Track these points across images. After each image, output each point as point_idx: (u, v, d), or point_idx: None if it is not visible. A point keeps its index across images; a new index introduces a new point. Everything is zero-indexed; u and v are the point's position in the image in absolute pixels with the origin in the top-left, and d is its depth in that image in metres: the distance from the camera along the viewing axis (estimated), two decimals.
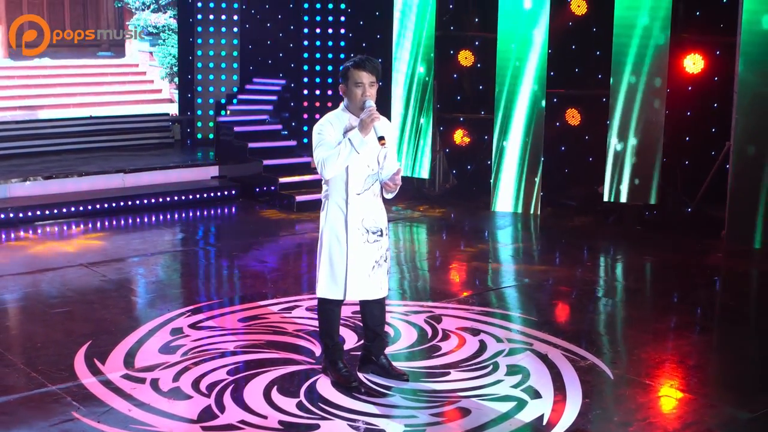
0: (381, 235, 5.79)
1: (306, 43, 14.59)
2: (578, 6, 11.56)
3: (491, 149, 11.75)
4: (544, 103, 11.39)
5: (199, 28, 14.59)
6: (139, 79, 14.86)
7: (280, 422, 5.32)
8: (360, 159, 5.62)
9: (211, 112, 14.51)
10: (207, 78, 14.75)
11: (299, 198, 11.59)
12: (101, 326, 7.00)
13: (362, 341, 6.23)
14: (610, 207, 11.20)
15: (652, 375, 6.23)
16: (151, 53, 14.81)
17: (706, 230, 10.42)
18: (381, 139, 5.52)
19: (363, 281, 5.76)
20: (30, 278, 8.42)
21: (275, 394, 5.70)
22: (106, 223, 10.80)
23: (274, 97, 14.12)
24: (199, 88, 14.76)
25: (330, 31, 14.51)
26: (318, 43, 14.59)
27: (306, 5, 14.48)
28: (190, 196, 11.91)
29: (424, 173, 12.58)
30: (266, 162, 12.37)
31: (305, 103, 14.78)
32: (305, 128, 14.18)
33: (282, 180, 12.06)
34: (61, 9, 13.90)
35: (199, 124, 14.82)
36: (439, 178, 13.01)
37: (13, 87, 13.72)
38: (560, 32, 11.56)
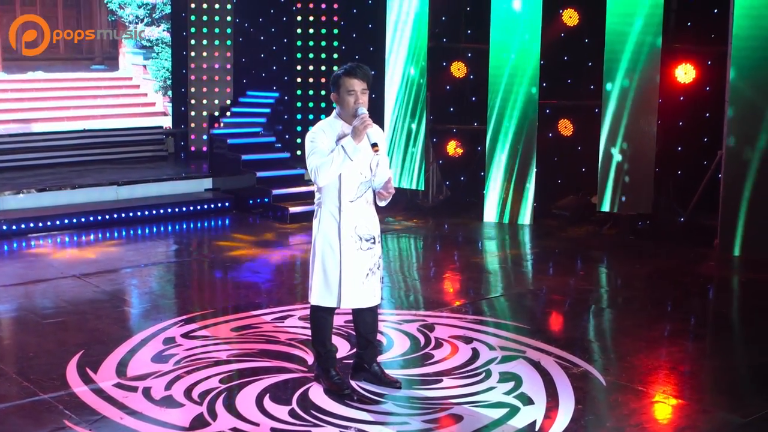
0: (374, 243, 5.79)
1: (299, 55, 14.63)
2: (570, 17, 11.62)
3: (484, 160, 11.76)
4: (537, 113, 11.41)
5: (193, 42, 14.62)
6: (132, 92, 14.87)
7: (272, 429, 5.31)
8: (353, 166, 5.63)
9: (205, 125, 14.51)
10: (200, 91, 14.77)
11: (292, 209, 11.59)
12: (94, 336, 6.99)
13: (355, 349, 6.23)
14: (603, 217, 11.22)
15: (644, 381, 6.23)
16: (144, 66, 14.83)
17: (699, 239, 10.44)
18: (374, 146, 5.54)
19: (357, 289, 5.76)
20: (23, 289, 8.41)
21: (267, 402, 5.69)
22: (100, 235, 10.79)
23: (267, 110, 14.16)
24: (193, 101, 14.78)
25: (323, 43, 14.55)
26: (311, 55, 14.62)
27: (299, 18, 14.51)
28: (184, 208, 11.90)
29: (417, 184, 12.58)
30: (259, 174, 12.38)
31: (299, 116, 14.80)
32: (299, 140, 14.21)
33: (275, 192, 12.06)
34: (55, 21, 13.92)
35: (193, 137, 14.84)
36: (433, 190, 13.02)
37: (7, 100, 13.72)
38: (553, 43, 11.61)
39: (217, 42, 14.74)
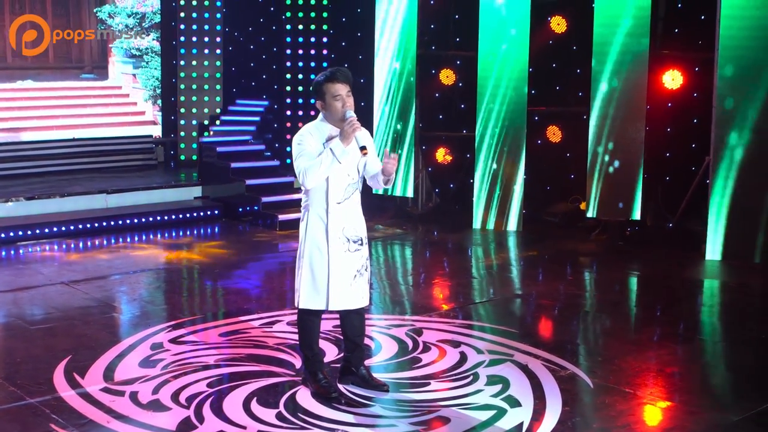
0: (361, 244, 5.80)
1: (288, 64, 14.64)
2: (558, 24, 11.66)
3: (473, 167, 11.79)
4: (525, 120, 11.44)
5: (182, 51, 14.64)
6: (122, 101, 14.89)
7: None
8: (341, 168, 5.64)
9: (195, 134, 14.52)
10: (190, 100, 14.79)
11: (282, 217, 11.59)
12: (81, 342, 6.97)
13: (342, 353, 6.23)
14: (592, 223, 11.25)
15: (632, 383, 6.24)
16: (134, 75, 14.85)
17: (687, 245, 10.48)
18: (363, 149, 5.56)
19: (345, 290, 5.76)
20: (11, 296, 8.39)
21: (255, 406, 5.68)
22: (89, 243, 10.78)
23: (257, 118, 14.17)
24: (183, 110, 14.79)
25: (312, 52, 14.58)
26: (300, 64, 14.64)
27: (288, 27, 14.54)
28: (173, 216, 11.90)
29: (407, 192, 12.59)
30: (249, 182, 12.39)
31: (288, 124, 14.82)
32: (288, 149, 14.20)
33: (265, 199, 12.07)
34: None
35: (183, 146, 14.85)
36: (422, 197, 13.04)
37: None
38: (541, 50, 11.64)
39: (206, 51, 14.76)
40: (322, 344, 6.64)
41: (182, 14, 14.55)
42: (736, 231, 9.92)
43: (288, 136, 14.69)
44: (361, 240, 5.80)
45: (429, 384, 6.11)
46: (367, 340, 6.77)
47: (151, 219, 11.70)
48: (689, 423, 5.60)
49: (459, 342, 6.99)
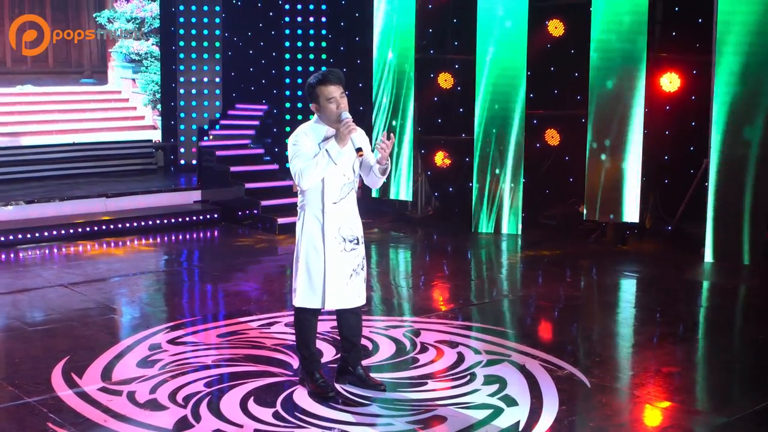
0: (357, 244, 5.82)
1: (287, 68, 14.67)
2: (555, 27, 11.68)
3: (472, 171, 11.80)
4: (524, 124, 11.45)
5: (182, 55, 14.68)
6: (121, 105, 14.92)
7: (256, 431, 5.31)
8: (336, 169, 5.66)
9: (194, 139, 14.56)
10: (190, 104, 14.82)
11: (281, 220, 11.60)
12: (80, 343, 6.99)
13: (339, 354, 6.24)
14: (591, 226, 11.26)
15: (629, 383, 6.26)
16: (133, 80, 14.88)
17: (686, 247, 10.50)
18: (359, 150, 5.58)
19: (341, 290, 5.77)
20: (10, 298, 8.41)
21: (252, 405, 5.69)
22: (88, 247, 10.79)
23: (256, 122, 14.20)
24: (182, 115, 14.82)
25: (311, 56, 14.61)
26: (299, 68, 14.67)
27: (287, 31, 14.58)
28: (172, 220, 11.91)
29: (407, 195, 12.61)
30: (248, 185, 12.41)
31: (287, 128, 14.83)
32: (287, 153, 14.21)
33: (264, 203, 12.09)
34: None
35: (183, 150, 14.88)
36: (422, 201, 13.06)
37: None
38: (539, 54, 11.65)
39: (206, 56, 14.80)
40: (320, 345, 6.67)
41: (181, 19, 14.60)
42: (735, 233, 9.92)
43: (287, 141, 14.70)
44: (357, 239, 5.82)
45: (426, 384, 6.12)
46: (364, 341, 6.79)
47: (150, 223, 11.72)
48: (686, 422, 5.61)
49: (457, 343, 7.01)
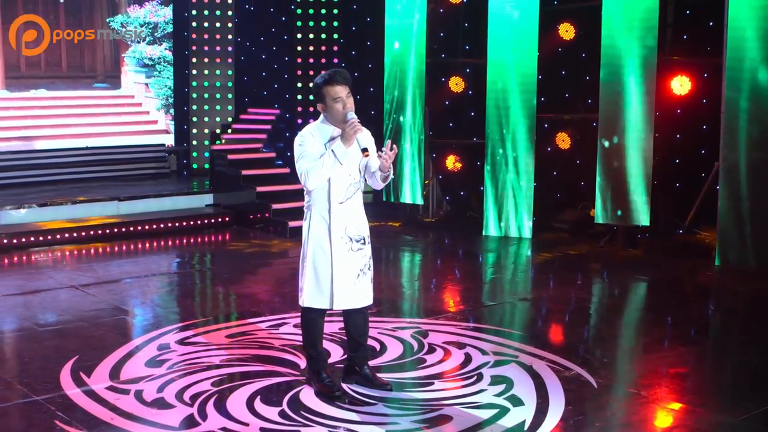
0: (364, 243, 5.83)
1: (299, 73, 14.71)
2: (566, 31, 11.68)
3: (483, 175, 11.80)
4: (535, 127, 11.45)
5: (194, 60, 14.73)
6: (134, 110, 14.99)
7: (262, 429, 5.34)
8: (342, 169, 5.68)
9: (207, 143, 14.60)
10: (202, 109, 14.86)
11: (292, 224, 11.61)
12: (90, 343, 7.03)
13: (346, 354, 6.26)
14: (602, 230, 11.24)
15: (636, 384, 6.26)
16: (146, 85, 14.96)
17: (697, 251, 10.47)
18: (365, 150, 5.60)
19: (348, 289, 5.79)
20: (21, 299, 8.46)
21: (258, 404, 5.72)
22: (100, 249, 10.85)
23: (268, 127, 14.23)
24: (195, 119, 14.87)
25: (323, 61, 14.64)
26: (311, 73, 14.70)
27: (299, 36, 14.62)
28: (184, 223, 11.96)
29: (418, 199, 12.63)
30: (259, 189, 12.43)
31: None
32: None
33: (275, 206, 12.12)
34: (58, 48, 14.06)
35: (195, 154, 14.92)
36: (433, 205, 13.07)
37: (10, 118, 13.84)
38: (550, 57, 11.66)
39: (218, 60, 14.84)
40: (328, 345, 6.69)
41: (194, 24, 14.65)
42: (745, 236, 9.89)
43: None
44: (364, 239, 5.84)
45: (432, 384, 6.13)
46: (372, 342, 6.81)
47: (162, 226, 11.77)
48: (692, 422, 5.61)
49: (464, 344, 7.01)
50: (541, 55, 11.37)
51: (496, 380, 6.18)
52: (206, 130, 14.73)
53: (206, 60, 14.78)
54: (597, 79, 10.91)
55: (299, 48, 14.70)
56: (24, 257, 10.38)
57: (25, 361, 6.59)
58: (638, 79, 10.58)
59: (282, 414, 5.56)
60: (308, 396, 5.85)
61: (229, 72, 14.93)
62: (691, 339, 7.52)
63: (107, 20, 14.41)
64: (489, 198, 11.71)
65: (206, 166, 14.54)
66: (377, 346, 6.88)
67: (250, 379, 6.15)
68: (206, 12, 14.66)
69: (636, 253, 10.68)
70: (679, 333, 7.61)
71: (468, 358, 6.65)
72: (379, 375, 6.10)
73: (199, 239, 11.69)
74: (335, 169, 5.64)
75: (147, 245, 11.22)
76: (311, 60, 14.69)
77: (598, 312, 8.42)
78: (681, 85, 10.75)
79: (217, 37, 14.76)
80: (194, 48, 14.72)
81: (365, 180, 5.89)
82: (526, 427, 5.41)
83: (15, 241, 10.69)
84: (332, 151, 5.62)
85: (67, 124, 14.31)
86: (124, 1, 14.63)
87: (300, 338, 6.69)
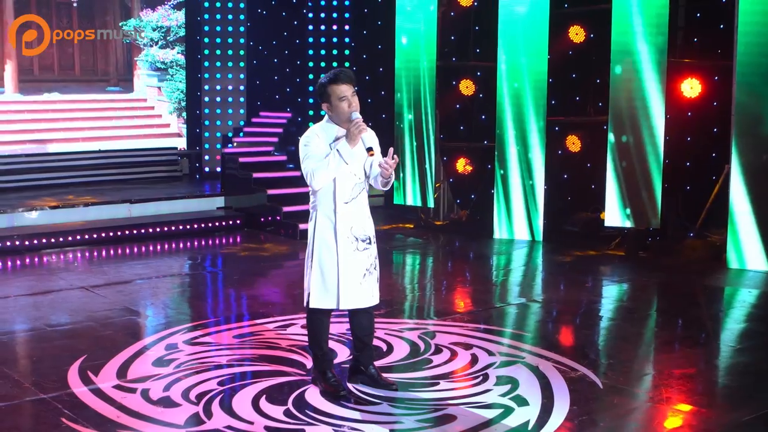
0: (370, 243, 5.85)
1: (311, 77, 14.76)
2: (576, 34, 11.67)
3: (494, 178, 11.81)
4: (545, 131, 11.45)
5: (206, 63, 14.81)
6: (147, 113, 15.08)
7: (266, 428, 5.36)
8: (348, 169, 5.70)
9: (219, 146, 14.67)
10: (214, 112, 14.94)
11: (302, 226, 11.64)
12: (98, 342, 7.07)
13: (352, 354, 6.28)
14: (612, 233, 11.22)
15: (642, 385, 6.25)
16: (159, 88, 15.04)
17: (708, 253, 10.44)
18: (369, 150, 5.62)
19: (355, 289, 5.80)
20: (32, 299, 8.52)
21: (263, 403, 5.74)
22: (111, 251, 10.91)
23: (279, 130, 14.30)
24: (207, 123, 14.94)
25: (334, 64, 14.68)
26: (323, 77, 14.73)
27: (311, 40, 14.69)
28: (195, 226, 12.02)
29: (429, 202, 12.65)
30: (270, 192, 12.47)
31: None
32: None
33: (286, 209, 12.16)
34: (71, 50, 14.15)
35: (207, 158, 15.00)
36: (444, 208, 13.08)
37: (23, 121, 13.94)
38: (560, 60, 11.64)
39: (230, 64, 14.92)
40: (334, 346, 6.71)
41: (206, 28, 14.74)
42: (756, 239, 9.86)
43: None
44: (369, 239, 5.85)
45: (438, 384, 6.14)
46: (380, 342, 6.83)
47: (173, 228, 11.83)
48: (696, 422, 5.59)
49: (471, 345, 7.02)
50: (551, 58, 11.37)
51: (501, 380, 6.18)
52: (218, 134, 14.80)
53: (218, 64, 14.85)
54: (607, 82, 10.90)
55: (311, 52, 14.75)
56: (36, 259, 10.45)
57: (35, 361, 6.65)
58: (649, 82, 10.56)
59: (287, 413, 5.57)
60: (313, 395, 5.87)
61: (241, 76, 15.00)
62: (700, 341, 7.49)
63: (120, 24, 14.49)
64: (500, 201, 11.71)
65: (218, 169, 14.61)
66: (384, 347, 6.90)
67: (256, 379, 6.17)
68: (218, 16, 14.75)
69: (646, 256, 10.65)
70: (688, 335, 7.60)
71: (474, 359, 6.66)
72: (384, 375, 6.11)
73: (210, 242, 11.74)
74: (341, 169, 5.65)
75: (158, 247, 11.27)
76: (322, 64, 14.77)
77: (606, 314, 8.40)
78: (691, 87, 10.72)
79: (230, 41, 14.84)
80: (206, 52, 14.80)
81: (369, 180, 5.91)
82: (530, 427, 5.41)
83: (27, 242, 10.77)
84: (337, 150, 5.64)
85: (80, 127, 14.41)
86: (136, 4, 14.71)
87: (307, 339, 6.72)
